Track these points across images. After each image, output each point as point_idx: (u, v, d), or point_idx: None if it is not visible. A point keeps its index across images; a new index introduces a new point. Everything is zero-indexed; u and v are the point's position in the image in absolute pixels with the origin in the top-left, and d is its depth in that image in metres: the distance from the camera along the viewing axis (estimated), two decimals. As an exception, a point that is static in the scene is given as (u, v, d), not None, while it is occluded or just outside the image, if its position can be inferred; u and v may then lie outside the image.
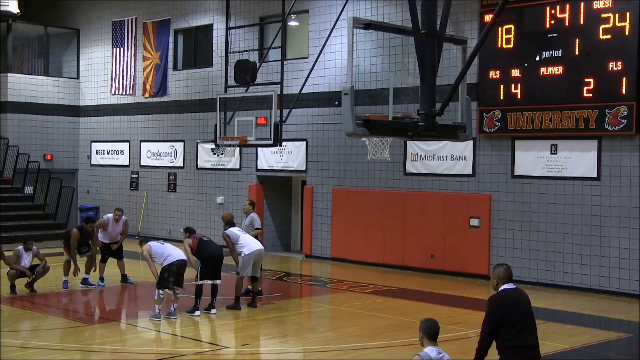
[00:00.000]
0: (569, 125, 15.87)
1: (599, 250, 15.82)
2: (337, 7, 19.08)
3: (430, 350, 6.50)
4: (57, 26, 28.22)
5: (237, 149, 19.08)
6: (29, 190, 25.38)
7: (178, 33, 24.82)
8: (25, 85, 26.57)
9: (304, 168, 21.03)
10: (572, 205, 16.19)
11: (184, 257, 13.10)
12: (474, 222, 17.52)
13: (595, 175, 15.86)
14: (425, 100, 11.07)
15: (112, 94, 26.55)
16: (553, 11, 16.03)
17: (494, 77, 16.93)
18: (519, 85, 16.58)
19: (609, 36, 15.30)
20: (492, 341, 7.00)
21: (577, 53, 15.77)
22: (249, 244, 13.68)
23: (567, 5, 15.82)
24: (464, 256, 17.65)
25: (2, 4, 25.49)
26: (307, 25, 20.99)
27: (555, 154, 16.39)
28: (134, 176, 25.95)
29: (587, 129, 15.67)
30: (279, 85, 17.60)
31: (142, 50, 25.44)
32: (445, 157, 18.11)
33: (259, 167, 22.12)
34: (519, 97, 16.58)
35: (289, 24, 20.71)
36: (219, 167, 23.25)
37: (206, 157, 23.51)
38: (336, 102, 19.36)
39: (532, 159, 16.75)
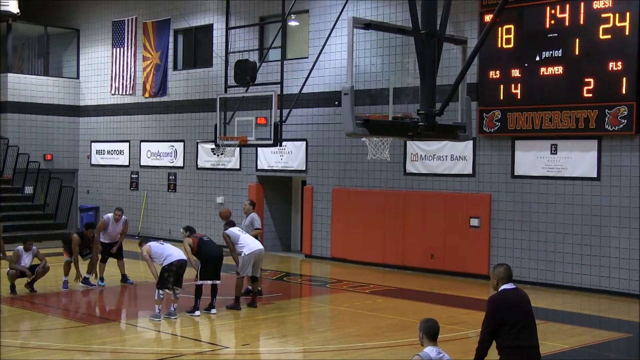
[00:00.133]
0: (569, 125, 15.87)
1: (599, 250, 15.82)
2: (337, 7, 19.08)
3: (430, 350, 6.50)
4: (57, 26, 28.22)
5: (237, 149, 19.08)
6: (29, 190, 25.38)
7: (178, 33, 24.82)
8: (25, 85, 26.58)
9: (304, 168, 21.03)
10: (572, 205, 16.19)
11: (184, 257, 13.10)
12: (474, 222, 17.52)
13: (595, 175, 15.86)
14: (425, 100, 11.07)
15: (112, 94, 26.55)
16: (553, 11, 16.03)
17: (494, 77, 16.93)
18: (519, 85, 16.58)
19: (609, 36, 15.30)
20: (492, 341, 7.00)
21: (577, 53, 15.77)
22: (249, 244, 13.69)
23: (567, 5, 15.82)
24: (464, 256, 17.65)
25: (2, 4, 25.48)
26: (307, 25, 20.99)
27: (555, 154, 16.39)
28: (134, 176, 25.95)
29: (587, 129, 15.67)
30: (279, 85, 17.60)
31: (142, 50, 25.44)
32: (445, 157, 18.11)
33: (259, 167, 22.12)
34: (519, 97, 16.58)
35: (289, 24, 20.71)
36: (219, 167, 23.25)
37: (206, 157, 23.51)
38: (336, 102, 19.36)
39: (532, 159, 16.75)
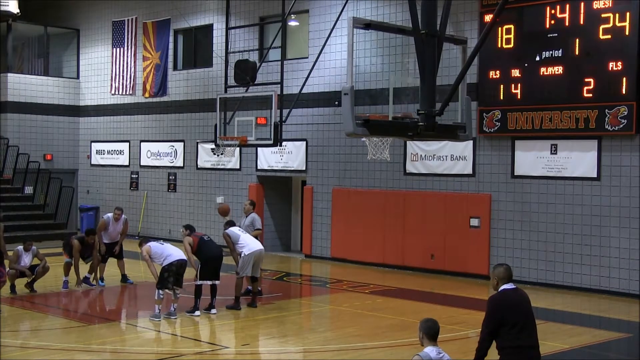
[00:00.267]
0: (569, 125, 15.86)
1: (599, 250, 15.82)
2: (337, 7, 19.08)
3: (430, 350, 6.50)
4: (57, 26, 28.22)
5: (237, 149, 19.08)
6: (29, 190, 25.38)
7: (178, 33, 24.82)
8: (25, 85, 26.58)
9: (304, 168, 21.03)
10: (572, 205, 16.19)
11: (184, 257, 13.10)
12: (474, 222, 17.52)
13: (595, 175, 15.86)
14: (425, 100, 11.07)
15: (112, 94, 26.55)
16: (553, 11, 16.03)
17: (494, 77, 16.93)
18: (519, 85, 16.58)
19: (609, 36, 15.30)
20: (492, 341, 7.00)
21: (577, 53, 15.76)
22: (249, 244, 13.69)
23: (567, 5, 15.82)
24: (464, 256, 17.65)
25: (2, 4, 25.48)
26: (307, 25, 20.99)
27: (555, 154, 16.39)
28: (134, 176, 25.95)
29: (587, 129, 15.67)
30: (279, 85, 17.60)
31: (142, 50, 25.44)
32: (445, 157, 18.11)
33: (259, 167, 22.12)
34: (519, 97, 16.58)
35: (289, 24, 20.71)
36: (219, 167, 23.25)
37: (206, 157, 23.51)
38: (336, 102, 19.36)
39: (532, 159, 16.75)
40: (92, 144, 27.45)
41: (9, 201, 24.20)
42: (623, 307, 14.57)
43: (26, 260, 14.86)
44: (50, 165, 26.89)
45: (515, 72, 16.60)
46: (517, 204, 16.99)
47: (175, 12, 24.19)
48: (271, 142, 17.18)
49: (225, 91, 18.98)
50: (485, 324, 7.02)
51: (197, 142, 23.62)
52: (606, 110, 15.33)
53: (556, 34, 16.02)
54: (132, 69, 25.77)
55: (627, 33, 15.08)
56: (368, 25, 11.28)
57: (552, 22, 16.06)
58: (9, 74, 26.27)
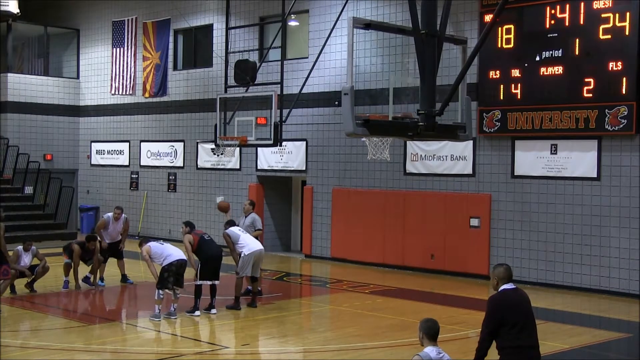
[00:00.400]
0: (569, 125, 15.86)
1: (599, 250, 15.82)
2: (337, 7, 19.08)
3: (430, 350, 6.50)
4: (57, 26, 28.22)
5: (237, 149, 19.08)
6: (29, 190, 25.37)
7: (178, 33, 24.82)
8: (25, 85, 26.58)
9: (304, 168, 21.03)
10: (572, 205, 16.19)
11: (184, 257, 13.10)
12: (474, 222, 17.52)
13: (595, 175, 15.86)
14: (425, 100, 11.06)
15: (112, 94, 26.55)
16: (553, 11, 16.03)
17: (494, 77, 16.93)
18: (519, 85, 16.58)
19: (609, 36, 15.30)
20: (492, 341, 6.99)
21: (577, 53, 15.76)
22: (249, 244, 13.68)
23: (567, 5, 15.82)
24: (464, 256, 17.65)
25: (2, 4, 25.48)
26: (307, 25, 20.99)
27: (555, 154, 16.39)
28: (134, 176, 25.95)
29: (587, 129, 15.67)
30: (279, 85, 17.59)
31: (142, 50, 25.44)
32: (445, 157, 18.11)
33: (259, 167, 22.12)
34: (519, 97, 16.58)
35: (289, 24, 20.71)
36: (219, 167, 23.25)
37: (206, 157, 23.51)
38: (336, 102, 19.36)
39: (532, 159, 16.75)
40: (92, 144, 27.45)
41: (9, 201, 24.19)
42: (623, 307, 14.57)
43: (26, 260, 14.86)
44: (50, 165, 26.89)
45: (515, 72, 16.60)
46: (517, 204, 16.99)
47: (175, 12, 24.19)
48: (271, 142, 17.17)
49: (225, 91, 18.98)
50: (485, 324, 7.02)
51: (197, 142, 23.62)
52: (606, 110, 15.33)
53: (556, 34, 16.02)
54: (132, 69, 25.78)
55: (627, 33, 15.09)
56: (368, 25, 11.27)
57: (552, 22, 16.06)
58: (9, 74, 26.27)
